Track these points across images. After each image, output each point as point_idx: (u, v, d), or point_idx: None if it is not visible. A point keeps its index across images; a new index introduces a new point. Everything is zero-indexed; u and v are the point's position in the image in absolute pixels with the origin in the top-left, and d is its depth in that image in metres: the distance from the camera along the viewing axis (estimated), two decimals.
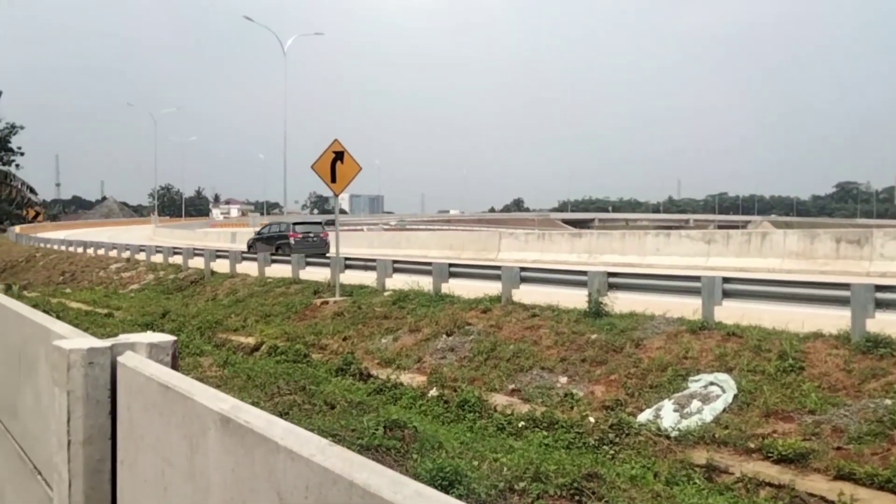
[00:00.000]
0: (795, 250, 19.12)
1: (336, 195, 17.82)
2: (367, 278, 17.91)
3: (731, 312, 10.92)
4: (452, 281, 15.64)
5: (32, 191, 61.75)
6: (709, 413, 8.70)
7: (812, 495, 7.05)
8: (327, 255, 25.08)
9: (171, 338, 1.74)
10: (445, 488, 6.16)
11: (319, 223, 33.23)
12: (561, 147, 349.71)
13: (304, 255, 22.52)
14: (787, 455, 7.56)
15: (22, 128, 67.43)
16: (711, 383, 9.25)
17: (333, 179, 16.97)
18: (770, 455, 7.67)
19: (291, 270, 20.91)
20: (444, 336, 12.90)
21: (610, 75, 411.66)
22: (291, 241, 28.98)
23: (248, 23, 53.25)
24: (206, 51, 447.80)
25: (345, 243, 24.54)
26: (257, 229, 36.20)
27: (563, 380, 10.56)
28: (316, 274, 19.82)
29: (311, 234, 29.87)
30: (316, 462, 1.02)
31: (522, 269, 14.70)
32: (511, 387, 10.70)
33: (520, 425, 9.29)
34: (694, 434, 8.35)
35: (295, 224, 31.24)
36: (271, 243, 29.50)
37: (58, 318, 2.62)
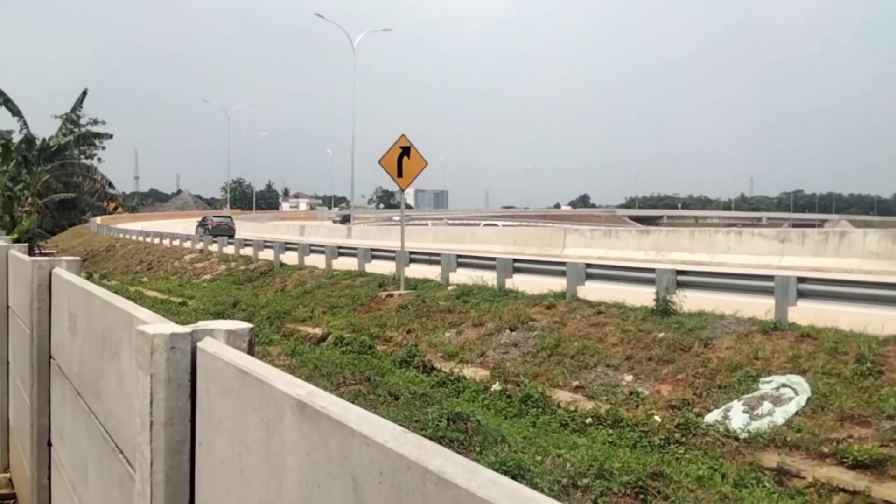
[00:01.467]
0: (876, 250, 18.36)
1: (402, 190, 17.98)
2: (432, 272, 18.00)
3: (805, 313, 10.57)
4: (516, 276, 15.59)
5: (111, 185, 64.14)
6: (780, 415, 8.45)
7: (888, 502, 6.79)
8: (233, 236, 38.48)
9: (248, 325, 1.79)
10: None
11: (229, 217, 52.85)
12: (629, 142, 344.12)
13: (223, 236, 36.30)
14: (862, 461, 7.29)
15: (104, 122, 70.11)
16: (783, 385, 8.98)
17: (400, 174, 17.12)
18: (845, 460, 7.41)
19: (357, 263, 21.17)
20: (508, 331, 12.88)
21: (682, 67, 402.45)
22: (209, 226, 46.00)
23: (318, 20, 54.08)
24: (278, 47, 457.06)
25: (409, 237, 24.72)
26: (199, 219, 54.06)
27: (629, 378, 10.41)
28: (381, 267, 20.03)
29: (223, 223, 46.97)
30: (390, 448, 1.03)
31: (588, 265, 14.53)
32: (575, 383, 10.61)
33: (584, 422, 9.22)
34: (764, 436, 8.13)
35: (214, 216, 52.59)
36: (203, 225, 48.02)
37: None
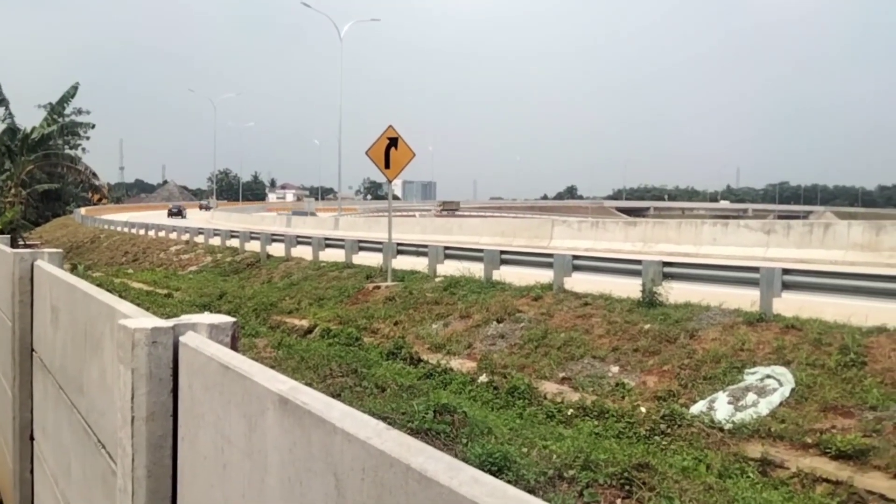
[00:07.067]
0: (860, 242, 18.51)
1: (389, 181, 17.93)
2: (419, 264, 17.99)
3: (790, 305, 10.64)
4: (504, 268, 15.61)
5: (95, 175, 63.62)
6: (765, 406, 8.52)
7: (871, 493, 6.86)
8: (184, 216, 61.27)
9: (231, 319, 1.78)
10: (494, 474, 6.18)
11: (181, 206, 74.53)
12: (616, 134, 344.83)
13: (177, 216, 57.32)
14: (845, 451, 7.36)
15: (88, 112, 69.42)
16: (768, 376, 9.05)
17: (387, 165, 17.08)
18: (828, 451, 7.48)
19: (345, 255, 21.12)
20: (495, 323, 12.90)
21: (667, 61, 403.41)
22: (167, 213, 67.62)
23: (305, 9, 53.73)
24: (264, 37, 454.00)
25: (397, 229, 24.69)
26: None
27: (615, 369, 10.46)
28: (368, 259, 20.00)
29: (175, 209, 69.26)
30: (373, 445, 1.02)
31: (575, 256, 14.57)
32: (561, 375, 10.65)
33: (570, 413, 9.25)
34: (748, 427, 8.19)
35: (172, 205, 74.15)
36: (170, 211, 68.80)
37: (120, 297, 2.70)
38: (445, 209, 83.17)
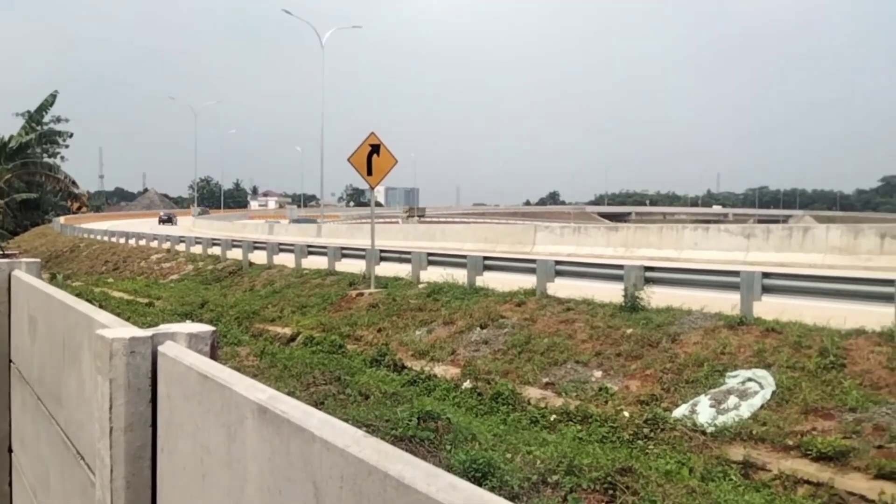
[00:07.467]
0: (838, 245, 18.72)
1: (372, 188, 17.91)
2: (402, 270, 17.98)
3: (770, 308, 10.74)
4: (487, 274, 15.63)
5: (74, 184, 63.07)
6: (746, 409, 8.59)
7: (852, 494, 6.93)
8: (175, 222, 68.94)
9: (211, 328, 1.77)
10: (478, 480, 6.18)
11: (172, 213, 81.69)
12: (598, 140, 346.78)
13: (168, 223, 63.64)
14: (826, 453, 7.43)
15: (67, 120, 68.89)
16: (749, 379, 9.12)
17: (370, 172, 17.06)
18: (809, 453, 7.55)
19: (327, 262, 21.06)
20: (478, 329, 12.91)
21: (649, 67, 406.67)
22: (157, 219, 71.96)
23: (287, 17, 53.62)
24: (246, 44, 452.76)
25: (380, 236, 24.67)
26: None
27: (598, 374, 10.50)
28: (351, 266, 19.96)
29: (166, 216, 74.49)
30: (351, 453, 1.03)
31: (557, 262, 14.63)
32: (545, 380, 10.67)
33: (553, 419, 9.28)
34: (730, 430, 8.25)
35: (163, 212, 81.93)
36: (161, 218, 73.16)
37: (101, 307, 2.68)
38: (411, 215, 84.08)
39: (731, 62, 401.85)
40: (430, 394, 10.48)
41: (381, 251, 19.17)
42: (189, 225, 62.04)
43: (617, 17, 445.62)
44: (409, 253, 18.57)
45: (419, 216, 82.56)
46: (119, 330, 1.81)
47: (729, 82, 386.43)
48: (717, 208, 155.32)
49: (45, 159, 61.72)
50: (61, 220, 60.71)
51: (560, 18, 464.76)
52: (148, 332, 1.75)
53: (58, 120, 67.56)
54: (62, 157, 68.39)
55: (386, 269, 18.35)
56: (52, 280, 24.63)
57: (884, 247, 17.83)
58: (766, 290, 10.95)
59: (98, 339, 1.79)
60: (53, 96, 56.90)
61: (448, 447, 7.29)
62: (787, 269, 15.07)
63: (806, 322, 10.18)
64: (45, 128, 61.86)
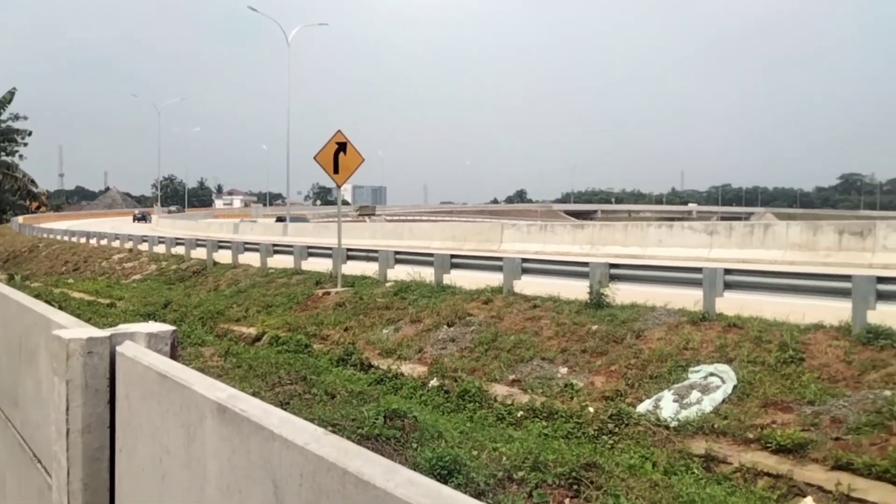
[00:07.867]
0: (798, 242, 19.10)
1: (339, 186, 17.82)
2: (369, 269, 17.92)
3: (732, 304, 10.92)
4: (454, 272, 15.65)
5: (33, 182, 61.81)
6: (708, 403, 8.72)
7: (810, 485, 7.08)
8: (150, 220, 67.60)
9: (170, 328, 1.75)
10: (444, 477, 6.19)
11: (147, 211, 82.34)
12: (565, 139, 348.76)
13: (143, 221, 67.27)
14: (785, 445, 7.58)
15: (25, 118, 67.29)
16: (711, 374, 9.27)
17: (336, 170, 16.97)
18: (769, 445, 7.70)
19: (293, 261, 20.91)
20: (446, 327, 12.92)
21: (614, 69, 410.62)
22: (132, 218, 73.76)
23: (252, 14, 53.04)
24: (211, 42, 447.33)
25: (347, 234, 24.56)
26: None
27: (564, 370, 10.58)
28: (318, 265, 19.83)
29: (140, 215, 76.12)
30: (311, 450, 1.03)
31: (524, 260, 14.70)
32: (511, 377, 10.73)
33: (519, 415, 9.33)
34: (693, 424, 8.37)
35: (138, 210, 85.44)
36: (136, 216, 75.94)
37: (60, 308, 2.64)
38: (362, 213, 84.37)
39: (697, 64, 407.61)
40: (397, 392, 10.46)
41: (348, 250, 19.09)
42: (152, 224, 61.15)
43: (589, 19, 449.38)
44: (376, 251, 18.51)
45: (369, 215, 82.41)
46: (76, 330, 1.78)
47: (695, 84, 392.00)
48: (692, 206, 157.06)
49: (3, 158, 60.33)
50: (20, 219, 59.44)
51: (536, 20, 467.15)
52: (106, 333, 1.73)
53: (16, 118, 65.99)
54: (21, 156, 66.87)
55: (353, 268, 18.27)
56: (10, 281, 24.10)
57: (842, 243, 18.22)
58: (728, 286, 11.14)
59: (54, 340, 1.77)
60: (11, 93, 55.67)
61: (414, 445, 7.28)
62: (748, 265, 15.34)
63: (767, 317, 10.37)
64: (4, 125, 60.48)
